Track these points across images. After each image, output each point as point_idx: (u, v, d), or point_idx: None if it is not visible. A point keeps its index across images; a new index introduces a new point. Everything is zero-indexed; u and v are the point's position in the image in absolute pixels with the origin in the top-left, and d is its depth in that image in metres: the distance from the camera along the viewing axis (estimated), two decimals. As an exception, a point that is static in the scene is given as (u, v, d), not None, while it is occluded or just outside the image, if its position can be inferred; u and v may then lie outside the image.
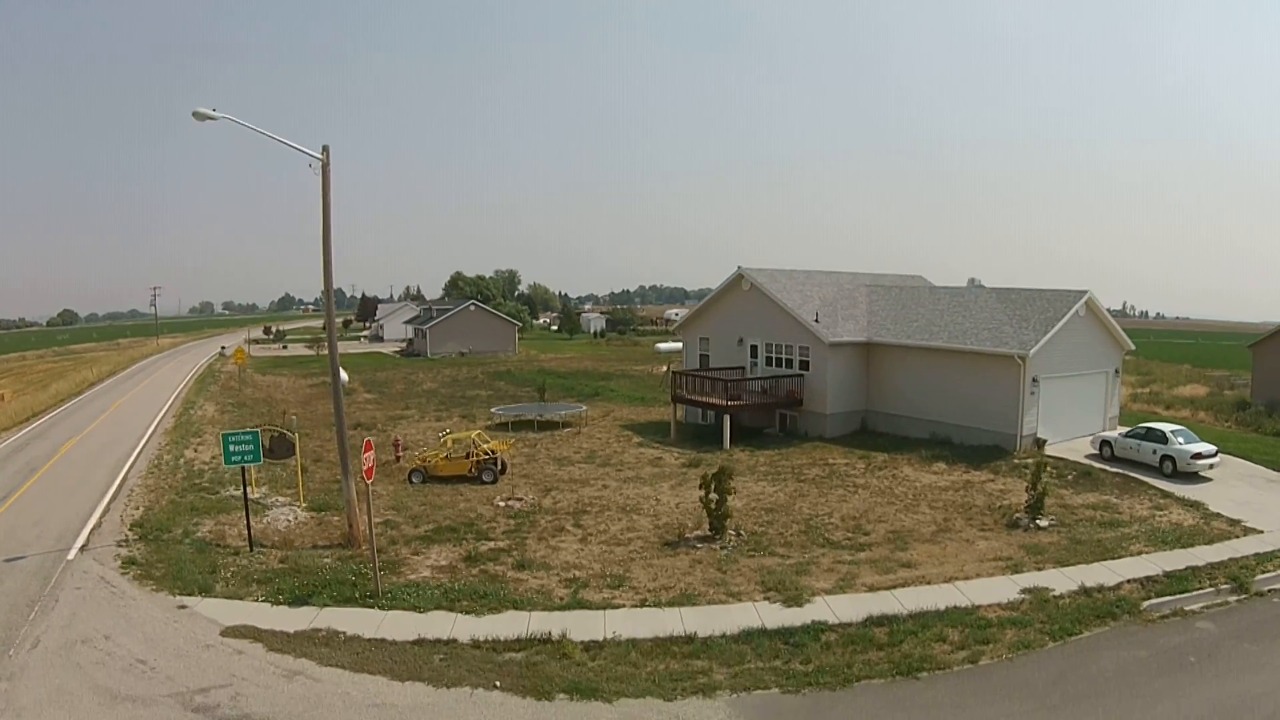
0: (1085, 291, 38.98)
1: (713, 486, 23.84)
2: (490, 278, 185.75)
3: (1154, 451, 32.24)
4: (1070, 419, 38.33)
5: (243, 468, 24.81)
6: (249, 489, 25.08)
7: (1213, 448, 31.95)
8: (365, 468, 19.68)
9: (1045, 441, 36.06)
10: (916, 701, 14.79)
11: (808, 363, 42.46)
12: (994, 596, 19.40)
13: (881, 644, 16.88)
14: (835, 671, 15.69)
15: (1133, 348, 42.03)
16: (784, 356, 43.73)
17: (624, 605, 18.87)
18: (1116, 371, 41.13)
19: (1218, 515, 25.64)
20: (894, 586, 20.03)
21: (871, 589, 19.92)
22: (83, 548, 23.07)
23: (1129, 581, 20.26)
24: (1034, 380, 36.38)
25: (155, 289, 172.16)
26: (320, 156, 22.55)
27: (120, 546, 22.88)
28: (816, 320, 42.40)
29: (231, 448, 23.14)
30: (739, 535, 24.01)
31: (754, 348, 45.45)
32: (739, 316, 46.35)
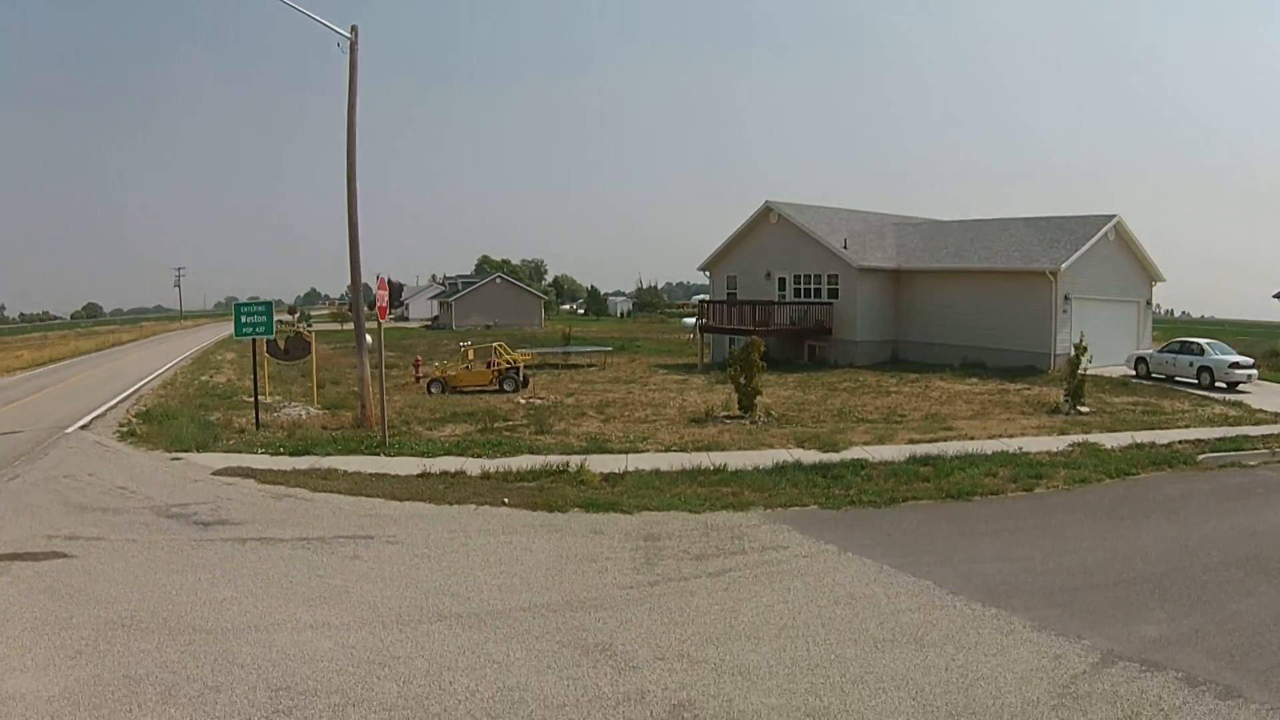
0: (1114, 215, 37.89)
1: (740, 363, 22.51)
2: (517, 265, 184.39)
3: (1190, 364, 31.08)
4: (1103, 345, 36.79)
5: (254, 362, 23.72)
6: (262, 396, 23.91)
7: (1249, 359, 30.64)
8: (379, 306, 18.38)
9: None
10: (969, 514, 13.47)
11: (836, 291, 41.27)
12: (1042, 447, 18.07)
13: (927, 477, 15.48)
14: (879, 494, 14.32)
15: (1165, 279, 40.61)
16: (812, 287, 42.49)
17: (648, 451, 17.58)
18: (1148, 303, 39.94)
19: (1261, 410, 24.40)
20: (935, 441, 18.65)
21: (912, 442, 18.55)
22: (83, 427, 22.12)
23: (1181, 442, 18.95)
24: (1065, 298, 35.25)
25: (180, 269, 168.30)
26: (349, 35, 21.39)
27: (121, 426, 21.87)
28: (845, 247, 41.09)
29: (244, 319, 21.76)
30: (770, 415, 22.65)
31: (781, 280, 44.15)
32: (766, 250, 45.06)
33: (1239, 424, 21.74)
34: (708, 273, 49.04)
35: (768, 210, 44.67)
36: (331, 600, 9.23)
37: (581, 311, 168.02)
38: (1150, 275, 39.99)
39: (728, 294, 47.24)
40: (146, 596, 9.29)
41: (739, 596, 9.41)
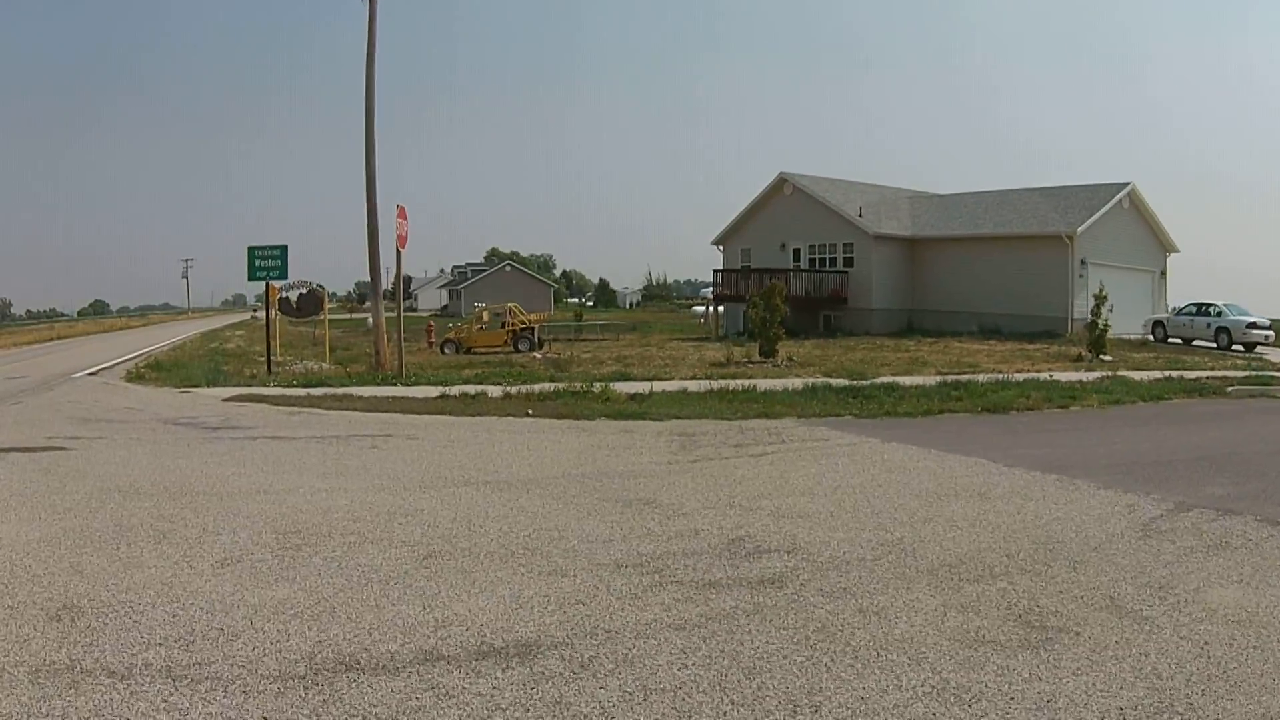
0: (1128, 183, 37.37)
1: (762, 306, 22.01)
2: (526, 257, 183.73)
3: (1208, 325, 30.60)
4: (1119, 312, 36.25)
5: (267, 308, 23.12)
6: (273, 357, 23.26)
7: (1266, 320, 30.09)
8: (399, 234, 17.81)
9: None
10: (1009, 421, 13.08)
11: (852, 260, 40.72)
12: (1073, 378, 17.68)
13: (960, 396, 14.97)
14: (914, 408, 13.83)
15: (1179, 250, 40.12)
16: (827, 256, 41.94)
17: (672, 380, 17.08)
18: (1163, 273, 39.35)
19: (1281, 364, 23.79)
20: (964, 374, 18.16)
21: (940, 374, 18.05)
22: (90, 374, 21.70)
23: (1209, 377, 18.64)
24: (1082, 262, 34.76)
25: (188, 260, 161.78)
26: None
27: (130, 373, 21.43)
28: (860, 215, 40.57)
29: (258, 261, 20.82)
30: (791, 360, 22.14)
31: (796, 251, 43.54)
32: (780, 222, 44.42)
33: (1262, 369, 21.51)
34: (721, 247, 48.46)
35: (782, 181, 44.09)
36: (348, 474, 8.75)
37: (591, 304, 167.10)
38: (1164, 246, 39.54)
39: (741, 266, 46.63)
40: (146, 472, 8.82)
41: (785, 469, 8.93)
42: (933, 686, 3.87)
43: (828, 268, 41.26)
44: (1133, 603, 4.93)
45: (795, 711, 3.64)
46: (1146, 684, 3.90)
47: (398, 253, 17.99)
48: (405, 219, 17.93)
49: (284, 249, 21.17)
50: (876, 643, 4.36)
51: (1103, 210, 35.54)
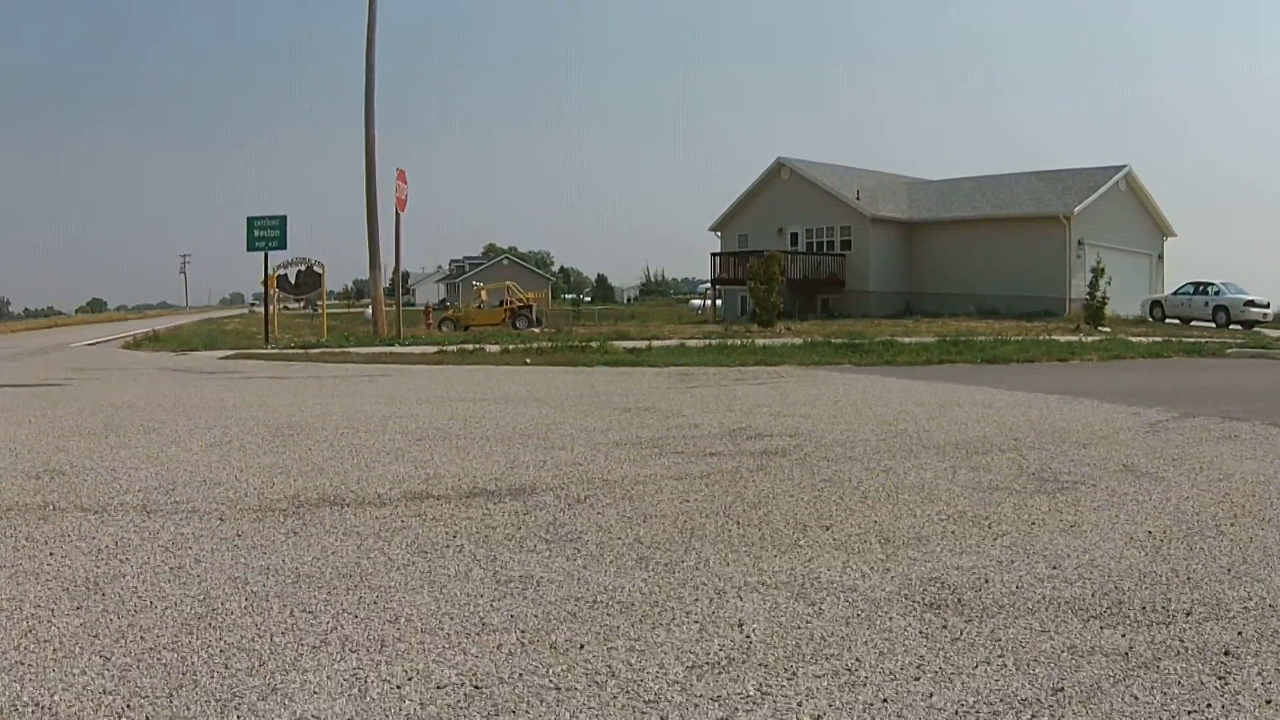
0: (1125, 165, 37.16)
1: (761, 276, 21.83)
2: (524, 254, 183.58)
3: (1206, 304, 30.24)
4: (1116, 295, 36.19)
5: (265, 287, 22.80)
6: (271, 332, 22.89)
7: (1266, 299, 29.86)
8: (398, 198, 17.58)
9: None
10: (1010, 369, 12.82)
11: (849, 243, 40.49)
12: (1072, 339, 17.49)
13: (960, 351, 14.79)
14: (913, 359, 13.63)
15: (1176, 234, 40.00)
16: (825, 240, 41.72)
17: (671, 339, 16.92)
18: (1160, 256, 39.17)
19: (1280, 339, 23.61)
20: (962, 336, 18.01)
21: (939, 335, 17.89)
22: (89, 345, 21.49)
23: (1208, 341, 18.56)
24: (1079, 243, 34.56)
25: (185, 255, 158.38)
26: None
27: (128, 343, 21.23)
28: (858, 198, 40.39)
29: (257, 232, 20.25)
30: (789, 329, 21.96)
31: (793, 235, 43.28)
32: (777, 207, 44.17)
33: (1261, 338, 21.35)
34: (719, 233, 48.30)
35: (779, 166, 43.88)
36: (344, 397, 8.59)
37: (589, 299, 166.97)
38: (1162, 229, 39.38)
39: (739, 250, 46.41)
40: (141, 396, 8.70)
41: (784, 391, 8.77)
42: (949, 515, 3.72)
43: (825, 251, 41.08)
44: (1147, 467, 4.79)
45: (804, 530, 3.48)
46: (1171, 517, 3.76)
47: (397, 216, 17.82)
48: (405, 182, 17.76)
49: (283, 219, 20.82)
50: (887, 488, 4.21)
51: (1100, 191, 35.42)
